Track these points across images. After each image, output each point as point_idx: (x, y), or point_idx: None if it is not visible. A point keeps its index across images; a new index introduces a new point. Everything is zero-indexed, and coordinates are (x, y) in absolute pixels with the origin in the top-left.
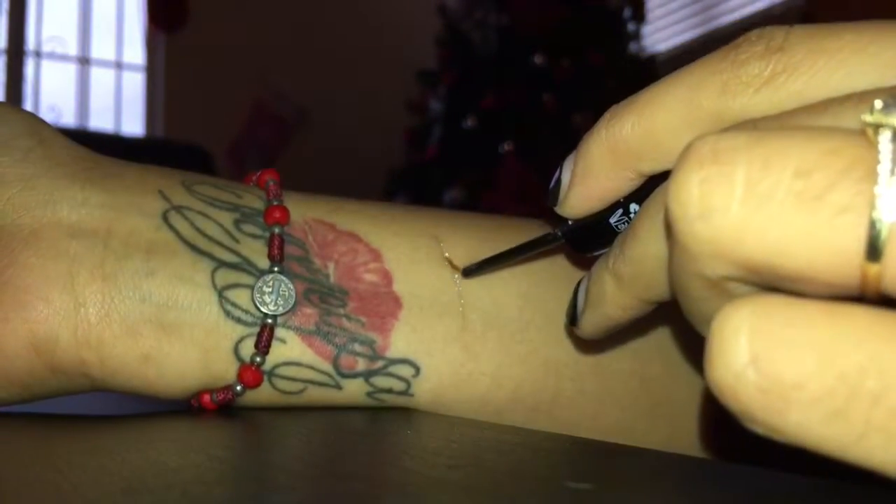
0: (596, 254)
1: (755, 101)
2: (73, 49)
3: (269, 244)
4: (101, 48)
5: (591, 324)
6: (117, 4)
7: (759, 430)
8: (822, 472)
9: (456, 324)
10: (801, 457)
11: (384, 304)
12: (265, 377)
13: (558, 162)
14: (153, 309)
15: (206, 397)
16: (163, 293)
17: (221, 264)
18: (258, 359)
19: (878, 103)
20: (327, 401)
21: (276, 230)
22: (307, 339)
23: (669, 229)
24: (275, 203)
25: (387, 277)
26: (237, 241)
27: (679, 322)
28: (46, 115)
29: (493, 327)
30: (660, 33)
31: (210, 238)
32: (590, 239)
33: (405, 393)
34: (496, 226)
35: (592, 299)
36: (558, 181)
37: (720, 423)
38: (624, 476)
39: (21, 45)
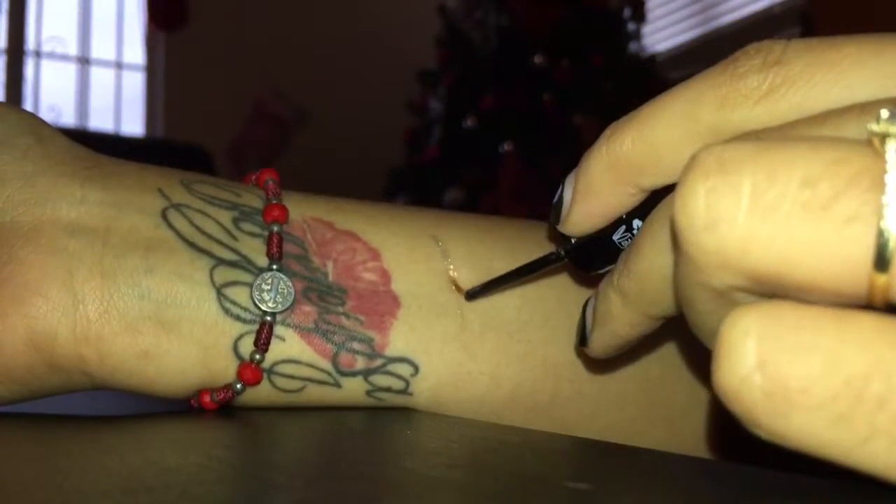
0: (600, 272)
1: (755, 113)
2: (72, 49)
3: (268, 242)
4: (101, 48)
5: (600, 343)
6: (117, 4)
7: (763, 435)
8: (823, 473)
9: (454, 323)
10: (802, 460)
11: (383, 303)
12: (265, 375)
13: (558, 162)
14: (152, 306)
15: (206, 397)
16: (162, 290)
17: (220, 262)
18: (258, 356)
19: (885, 113)
20: (327, 400)
21: (275, 228)
22: (306, 337)
23: (675, 240)
24: (274, 202)
25: (385, 276)
26: (236, 239)
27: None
28: (46, 114)
29: (492, 327)
30: (660, 33)
31: (209, 236)
32: (593, 257)
33: (404, 392)
34: (495, 226)
35: (600, 318)
36: (560, 199)
37: (726, 427)
38: (624, 476)
39: (21, 44)
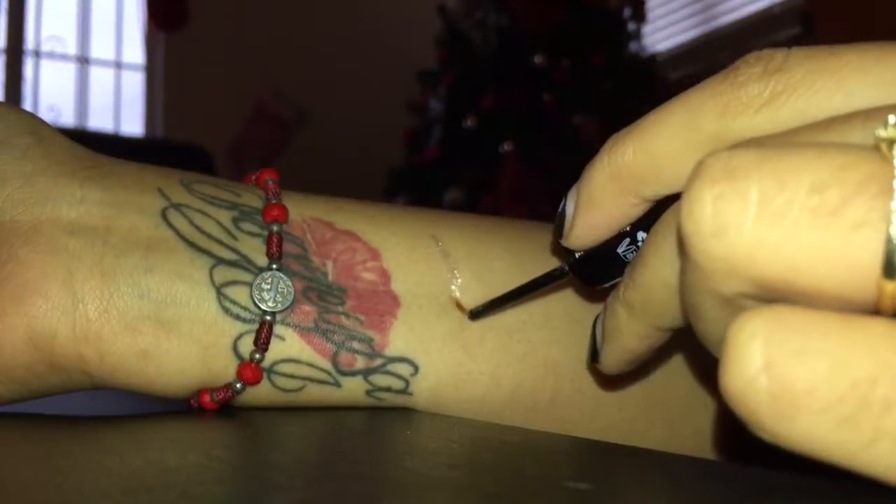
0: (606, 286)
1: (756, 121)
2: (72, 49)
3: (268, 242)
4: (101, 48)
5: (611, 358)
6: (117, 4)
7: (767, 438)
8: (824, 474)
9: (454, 323)
10: (804, 461)
11: (382, 303)
12: (264, 374)
13: (558, 162)
14: (152, 305)
15: (206, 397)
16: (161, 290)
17: (220, 261)
18: (257, 356)
19: (893, 118)
20: (327, 399)
21: (275, 228)
22: (306, 337)
23: (682, 247)
24: (273, 201)
25: (385, 276)
26: (236, 238)
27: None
28: (46, 114)
29: (492, 327)
30: (660, 33)
31: (209, 236)
32: (598, 271)
33: (404, 392)
34: (495, 226)
35: (609, 333)
36: (563, 212)
37: (729, 428)
38: (624, 476)
39: (20, 44)
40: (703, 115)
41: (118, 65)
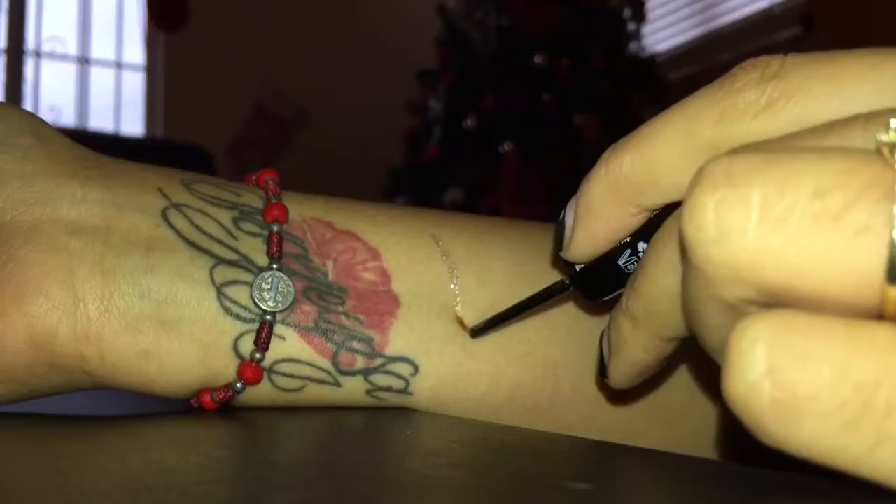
0: (607, 299)
1: (753, 127)
2: (72, 49)
3: (268, 242)
4: (101, 48)
5: (619, 372)
6: (117, 4)
7: (770, 443)
8: (825, 474)
9: (454, 323)
10: (804, 461)
11: (383, 303)
12: (265, 374)
13: (558, 162)
14: (152, 305)
15: (206, 397)
16: (162, 289)
17: (220, 261)
18: (258, 355)
19: (894, 122)
20: (327, 399)
21: (275, 228)
22: (306, 336)
23: (685, 254)
24: (274, 201)
25: (385, 276)
26: (236, 238)
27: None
28: (46, 114)
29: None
30: (660, 33)
31: (209, 235)
32: (600, 284)
33: (404, 391)
34: (495, 226)
35: (614, 346)
36: (562, 225)
37: (729, 429)
38: (624, 476)
39: (21, 44)
40: (701, 122)
41: (118, 65)
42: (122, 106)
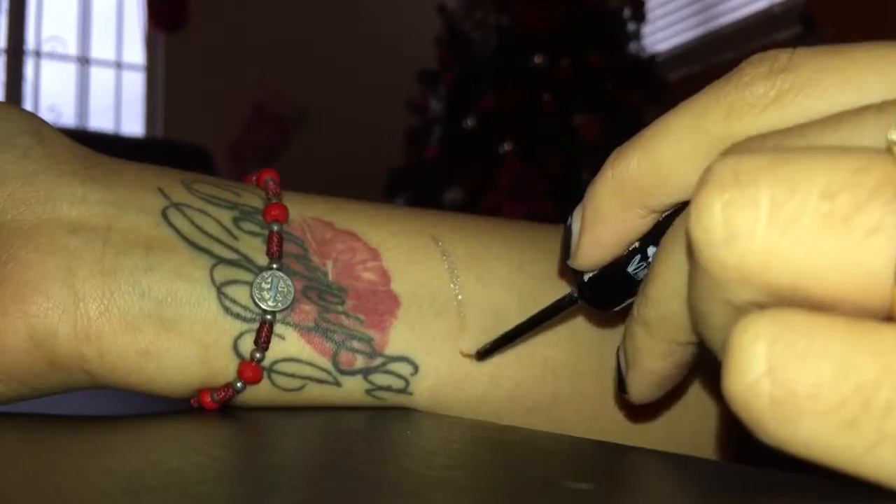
0: (618, 309)
1: (762, 121)
2: (72, 49)
3: (268, 241)
4: (101, 48)
5: (637, 384)
6: (117, 4)
7: (770, 441)
8: (825, 474)
9: (454, 323)
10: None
11: (382, 303)
12: (265, 374)
13: (558, 161)
14: (152, 304)
15: (206, 396)
16: (162, 289)
17: (220, 261)
18: (258, 355)
19: None
20: (327, 399)
21: (275, 228)
22: (306, 336)
23: (692, 256)
24: (274, 201)
25: (385, 276)
26: (236, 238)
27: None
28: (46, 114)
29: (492, 327)
30: (660, 33)
31: (209, 235)
32: (610, 293)
33: (404, 391)
34: (495, 226)
35: (630, 357)
36: (569, 232)
37: (733, 430)
38: (624, 476)
39: (21, 44)
40: (709, 118)
41: (118, 65)
42: (122, 106)
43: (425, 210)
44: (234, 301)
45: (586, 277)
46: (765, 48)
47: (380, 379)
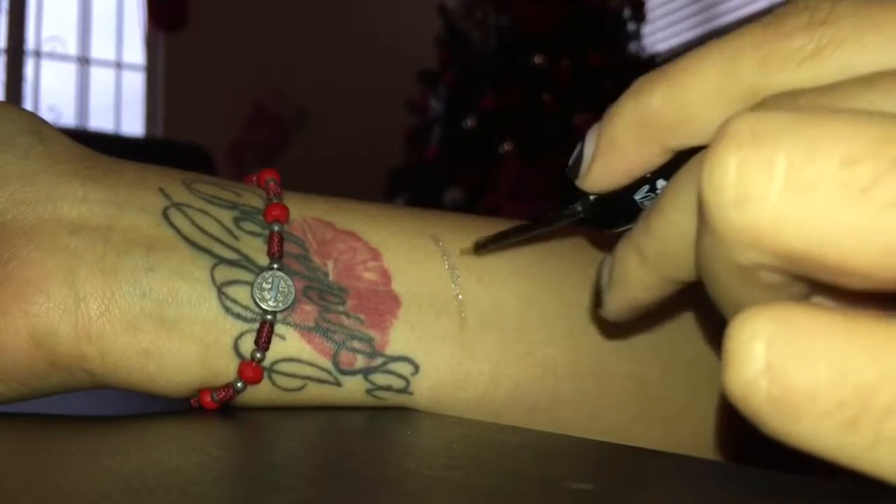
0: (618, 231)
1: (798, 76)
2: (72, 49)
3: (269, 241)
4: (101, 48)
5: (615, 305)
6: (117, 4)
7: (771, 435)
8: (825, 474)
9: (454, 323)
10: (805, 461)
11: (383, 303)
12: (265, 374)
13: (558, 161)
14: (153, 304)
15: (207, 396)
16: (163, 289)
17: (221, 261)
18: (258, 355)
19: None
20: (327, 399)
21: (276, 228)
22: (306, 336)
23: (701, 213)
24: (274, 201)
25: (385, 276)
26: (237, 238)
27: (679, 329)
28: (46, 114)
29: (492, 327)
30: (660, 33)
31: (210, 235)
32: (612, 215)
33: (404, 391)
34: (495, 227)
35: (616, 279)
36: (580, 154)
37: (732, 429)
38: (624, 476)
39: (21, 44)
40: (742, 64)
41: (118, 65)
42: (122, 106)
43: (425, 210)
44: (234, 301)
45: (592, 198)
46: None
47: (380, 379)
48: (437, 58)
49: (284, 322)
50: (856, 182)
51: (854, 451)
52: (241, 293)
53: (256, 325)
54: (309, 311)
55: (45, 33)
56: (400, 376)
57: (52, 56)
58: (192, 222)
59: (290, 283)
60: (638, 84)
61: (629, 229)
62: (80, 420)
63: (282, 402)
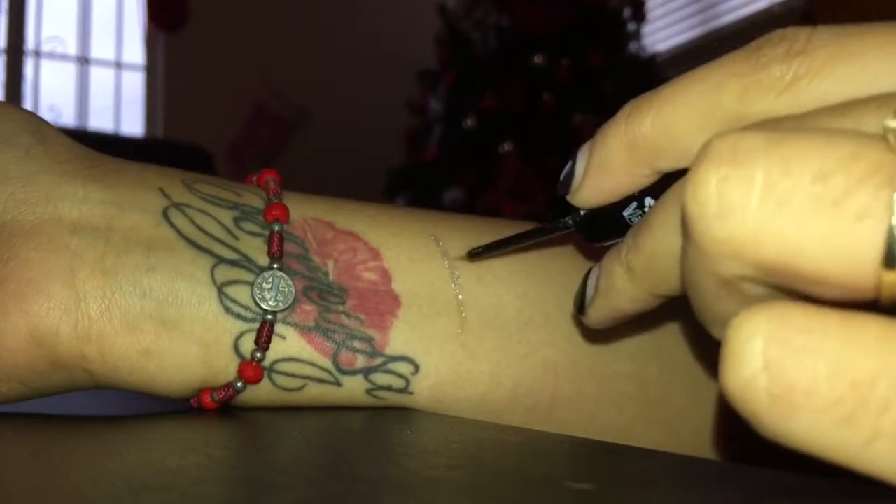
0: (606, 244)
1: (776, 105)
2: (72, 49)
3: (269, 241)
4: (101, 48)
5: (598, 314)
6: (117, 4)
7: (768, 435)
8: (825, 474)
9: (454, 323)
10: (805, 461)
11: (383, 303)
12: (265, 373)
13: (558, 162)
14: (153, 304)
15: (207, 396)
16: (163, 289)
17: (221, 261)
18: (258, 354)
19: None
20: (327, 398)
21: (276, 228)
22: (307, 336)
23: (685, 227)
24: (275, 201)
25: (386, 276)
26: (237, 238)
27: (686, 323)
28: (46, 114)
29: (492, 327)
30: (660, 33)
31: (210, 235)
32: (601, 230)
33: (404, 391)
34: (495, 227)
35: (602, 290)
36: (571, 170)
37: (732, 429)
38: (624, 476)
39: (20, 44)
40: (724, 94)
41: (118, 65)
42: (121, 106)
43: (426, 210)
44: (234, 301)
45: (582, 212)
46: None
47: (380, 378)
48: (437, 58)
49: (284, 322)
50: (828, 195)
51: (851, 448)
52: (241, 293)
53: (256, 325)
54: (309, 310)
55: (45, 33)
56: (400, 376)
57: (52, 56)
58: (193, 222)
59: (291, 283)
60: (628, 108)
61: (617, 243)
62: (80, 420)
63: (282, 402)
